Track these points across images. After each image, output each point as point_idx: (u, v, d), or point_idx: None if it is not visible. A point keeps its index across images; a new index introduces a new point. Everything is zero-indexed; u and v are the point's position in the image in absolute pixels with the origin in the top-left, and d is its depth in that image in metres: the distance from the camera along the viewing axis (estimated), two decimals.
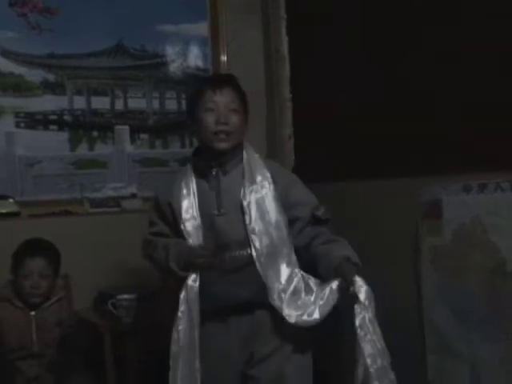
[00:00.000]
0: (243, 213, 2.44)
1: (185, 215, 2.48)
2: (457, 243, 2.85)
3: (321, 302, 2.31)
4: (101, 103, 4.27)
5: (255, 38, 4.48)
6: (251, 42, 4.45)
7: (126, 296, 3.50)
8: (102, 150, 4.25)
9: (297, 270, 2.43)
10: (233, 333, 2.49)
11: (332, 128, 3.63)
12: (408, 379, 3.03)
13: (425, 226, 2.98)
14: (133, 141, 4.34)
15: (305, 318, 2.33)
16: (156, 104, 4.43)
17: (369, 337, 2.23)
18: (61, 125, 4.15)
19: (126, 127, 4.32)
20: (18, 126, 4.03)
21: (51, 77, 4.12)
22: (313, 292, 2.36)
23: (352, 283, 2.25)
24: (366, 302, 2.23)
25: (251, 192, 2.46)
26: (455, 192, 2.83)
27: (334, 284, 2.30)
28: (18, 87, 4.04)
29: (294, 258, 2.45)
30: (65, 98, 4.17)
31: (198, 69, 4.50)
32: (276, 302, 2.37)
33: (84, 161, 4.20)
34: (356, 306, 2.24)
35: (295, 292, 2.38)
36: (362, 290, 2.24)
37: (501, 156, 2.64)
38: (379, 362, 2.24)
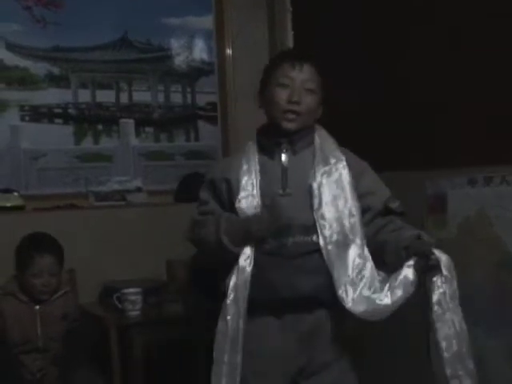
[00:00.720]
0: (311, 196, 2.22)
1: (242, 192, 2.25)
2: (462, 236, 2.84)
3: (392, 285, 2.10)
4: (106, 96, 4.27)
5: (260, 31, 4.47)
6: (256, 36, 4.44)
7: (131, 290, 3.51)
8: (106, 143, 4.25)
9: (369, 265, 2.18)
10: (289, 333, 2.24)
11: (336, 122, 3.59)
12: (413, 372, 3.03)
13: (430, 219, 2.98)
14: (138, 134, 4.33)
15: (373, 306, 2.10)
16: (161, 97, 4.42)
17: (448, 316, 2.05)
18: (65, 118, 4.15)
19: (131, 121, 4.32)
20: (22, 119, 4.03)
21: (56, 70, 4.12)
22: (385, 283, 2.14)
23: (430, 253, 2.06)
24: (448, 274, 2.05)
25: (323, 174, 2.24)
26: (460, 185, 2.82)
27: (408, 265, 2.08)
28: (23, 80, 4.04)
29: (366, 251, 2.20)
30: (69, 91, 4.16)
31: (203, 62, 4.50)
32: (341, 295, 2.13)
33: (89, 154, 4.19)
34: (435, 279, 2.05)
35: (365, 287, 2.14)
36: (442, 258, 2.06)
37: (506, 149, 2.62)
38: (455, 346, 2.06)
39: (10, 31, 4.00)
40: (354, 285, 2.13)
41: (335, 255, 2.17)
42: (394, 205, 2.27)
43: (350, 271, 2.15)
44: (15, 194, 3.84)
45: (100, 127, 4.24)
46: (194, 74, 4.46)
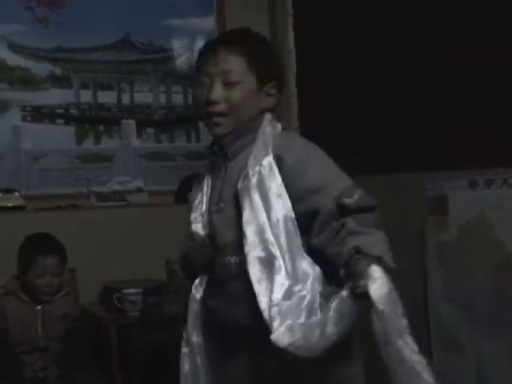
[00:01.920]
0: (240, 207, 1.86)
1: (194, 212, 2.03)
2: (463, 239, 2.84)
3: (325, 318, 1.69)
4: (107, 97, 4.27)
5: (262, 32, 4.46)
6: None
7: (131, 290, 3.51)
8: (108, 144, 4.25)
9: (309, 283, 1.79)
10: (243, 370, 1.93)
11: (338, 123, 3.62)
12: None
13: (431, 221, 2.98)
14: (139, 135, 4.34)
15: (301, 341, 1.70)
16: (162, 98, 4.42)
17: (400, 356, 1.63)
18: (67, 118, 4.15)
19: (133, 121, 4.32)
20: (24, 119, 4.04)
21: (58, 70, 4.12)
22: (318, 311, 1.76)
23: (362, 277, 1.61)
24: (383, 307, 1.60)
25: (247, 178, 1.86)
26: (461, 188, 2.82)
27: (345, 291, 1.67)
28: (25, 81, 4.05)
29: (303, 266, 1.81)
30: (71, 91, 4.17)
31: None
32: (267, 320, 1.75)
33: (90, 155, 4.20)
34: (371, 314, 1.61)
35: (292, 314, 1.75)
36: (375, 284, 1.60)
37: (507, 152, 2.63)
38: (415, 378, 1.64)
39: (12, 31, 4.01)
40: (281, 312, 1.74)
41: (258, 277, 1.79)
42: (350, 200, 1.78)
43: (275, 295, 1.76)
44: (16, 194, 3.84)
45: (101, 128, 4.25)
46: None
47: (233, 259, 1.89)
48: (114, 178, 4.16)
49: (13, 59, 4.01)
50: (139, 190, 4.15)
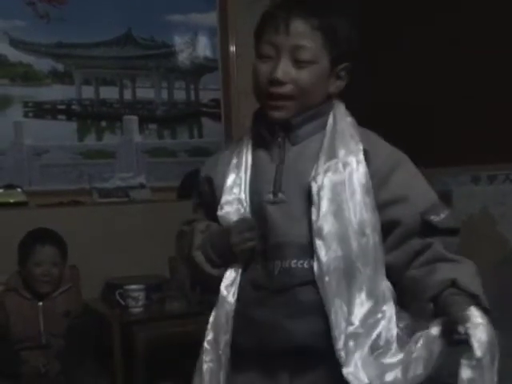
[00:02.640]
0: (310, 202, 1.55)
1: (227, 195, 1.65)
2: (465, 234, 2.83)
3: (409, 358, 1.45)
4: (109, 93, 4.27)
5: None
6: None
7: (133, 286, 3.51)
8: (110, 140, 4.25)
9: (387, 309, 1.53)
10: None
11: None
12: None
13: None
14: (141, 131, 4.33)
15: (378, 382, 1.46)
16: (165, 94, 4.42)
17: None
18: (69, 114, 4.15)
19: (135, 117, 4.32)
20: (26, 115, 4.04)
21: (60, 66, 4.12)
22: (402, 345, 1.50)
23: (462, 321, 1.40)
24: (484, 360, 1.39)
25: (326, 171, 1.56)
26: (464, 183, 2.82)
27: (434, 329, 1.45)
28: (27, 76, 4.04)
29: (383, 286, 1.55)
30: (73, 87, 4.17)
31: (206, 59, 4.49)
32: (339, 351, 1.48)
33: (92, 151, 4.20)
34: (463, 359, 1.40)
35: (377, 344, 1.50)
36: (477, 335, 1.40)
37: (510, 148, 2.62)
38: None
39: (14, 27, 4.00)
40: (359, 340, 1.49)
41: (334, 291, 1.51)
42: (437, 218, 1.55)
43: (353, 318, 1.50)
44: (18, 190, 3.84)
45: (103, 124, 4.24)
46: (198, 70, 4.46)
47: (300, 263, 1.56)
48: (117, 174, 4.16)
49: (14, 55, 4.01)
50: (142, 186, 4.15)
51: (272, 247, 1.58)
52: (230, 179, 1.66)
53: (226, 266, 1.62)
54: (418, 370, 1.44)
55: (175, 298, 3.61)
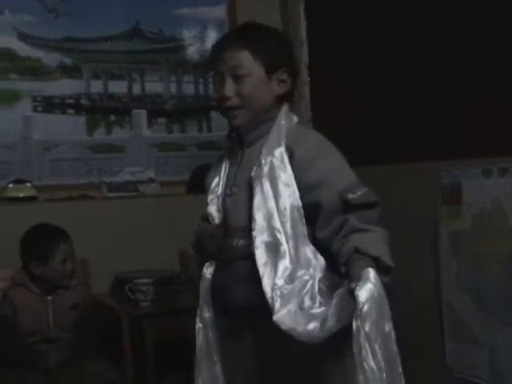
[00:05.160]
0: (252, 193, 1.96)
1: (210, 195, 2.11)
2: (476, 228, 2.81)
3: (327, 312, 1.74)
4: (118, 87, 4.27)
5: (273, 21, 4.42)
6: (269, 26, 4.40)
7: (143, 280, 3.52)
8: (119, 134, 4.25)
9: (313, 271, 1.87)
10: (249, 353, 2.02)
11: (351, 113, 3.60)
12: (428, 366, 3.02)
13: (444, 210, 2.95)
14: (150, 125, 4.33)
15: (300, 329, 1.76)
16: (173, 88, 4.41)
17: (360, 359, 1.60)
18: (78, 109, 4.15)
19: (144, 111, 4.32)
20: (35, 110, 4.04)
21: (68, 61, 4.12)
22: (327, 300, 1.81)
23: (354, 280, 1.65)
24: (364, 308, 1.60)
25: (259, 166, 1.95)
26: (475, 176, 2.80)
27: (342, 290, 1.73)
28: (35, 71, 4.04)
29: (307, 254, 1.89)
30: (82, 81, 4.17)
31: None
32: (270, 305, 1.83)
33: (101, 145, 4.20)
34: (354, 309, 1.62)
35: (294, 299, 1.82)
36: (365, 286, 1.62)
37: None
38: None
39: (23, 22, 4.01)
40: (283, 295, 1.83)
41: (264, 260, 1.89)
42: (353, 195, 1.85)
43: (278, 279, 1.85)
44: (28, 184, 3.84)
45: (112, 118, 4.24)
46: (207, 64, 4.45)
47: (241, 242, 1.98)
48: (126, 168, 4.16)
49: (23, 50, 4.01)
50: (151, 180, 4.15)
51: (227, 230, 2.02)
52: (214, 182, 2.12)
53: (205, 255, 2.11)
54: (332, 323, 1.71)
55: (185, 292, 3.62)
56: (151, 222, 3.96)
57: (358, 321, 1.60)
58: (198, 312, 2.12)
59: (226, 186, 2.08)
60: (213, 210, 2.09)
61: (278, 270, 1.86)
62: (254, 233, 1.91)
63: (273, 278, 1.86)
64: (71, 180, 4.08)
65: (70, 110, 4.14)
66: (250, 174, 1.97)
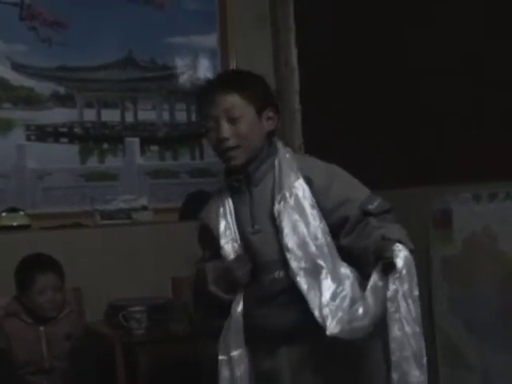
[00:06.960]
0: (277, 228, 2.08)
1: (223, 239, 2.17)
2: (467, 252, 2.83)
3: (364, 302, 1.91)
4: (111, 115, 4.29)
5: (265, 49, 4.49)
6: (261, 54, 4.45)
7: (136, 308, 3.51)
8: (112, 162, 4.26)
9: (343, 288, 2.03)
10: (279, 360, 2.13)
11: (342, 138, 3.62)
12: None
13: (435, 235, 2.97)
14: (143, 153, 4.35)
15: (348, 326, 1.93)
16: (166, 116, 4.43)
17: (397, 315, 1.85)
18: (71, 137, 4.17)
19: (136, 139, 4.33)
20: (28, 138, 4.05)
21: (61, 89, 4.14)
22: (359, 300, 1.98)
23: (388, 252, 1.87)
24: (403, 271, 1.84)
25: (281, 200, 2.08)
26: (465, 201, 2.82)
27: (376, 271, 1.90)
28: (29, 100, 4.06)
29: (342, 270, 2.06)
30: (75, 110, 4.18)
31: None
32: (319, 319, 1.98)
33: (94, 173, 4.21)
34: (390, 276, 1.85)
35: (343, 309, 1.98)
36: (400, 255, 1.86)
37: (510, 165, 2.63)
38: (406, 350, 1.86)
39: (16, 51, 4.03)
40: (331, 311, 1.98)
41: (307, 285, 2.03)
42: (372, 206, 2.06)
43: (325, 298, 2.00)
44: (21, 213, 3.84)
45: (105, 146, 4.26)
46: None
47: (281, 273, 2.09)
48: (119, 196, 4.16)
49: (16, 79, 4.03)
50: (144, 208, 4.15)
51: (258, 266, 2.12)
52: (222, 225, 2.19)
53: (234, 291, 2.15)
54: (373, 308, 1.89)
55: (178, 319, 3.61)
56: (144, 249, 3.96)
57: (397, 282, 1.85)
58: (222, 346, 2.18)
59: (244, 226, 2.16)
60: (229, 252, 2.16)
61: (323, 291, 2.01)
62: (292, 262, 2.04)
63: (319, 299, 2.00)
64: (64, 208, 4.08)
65: (63, 139, 4.15)
66: (269, 210, 2.11)
